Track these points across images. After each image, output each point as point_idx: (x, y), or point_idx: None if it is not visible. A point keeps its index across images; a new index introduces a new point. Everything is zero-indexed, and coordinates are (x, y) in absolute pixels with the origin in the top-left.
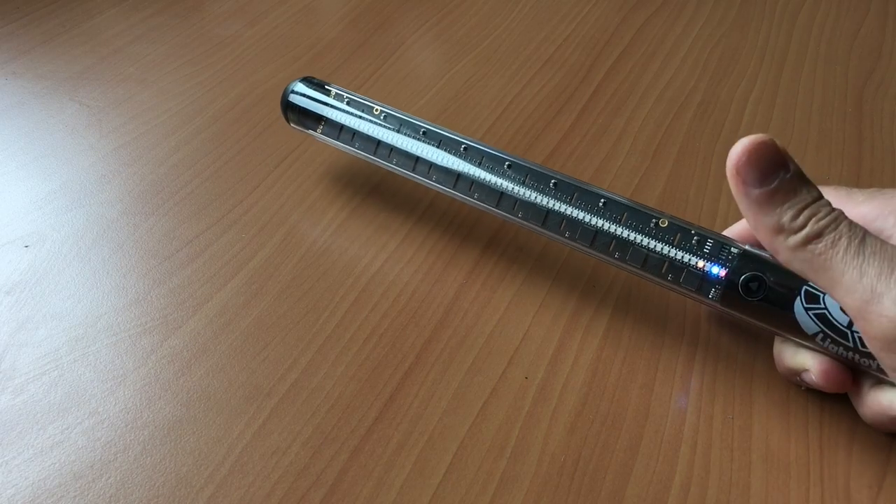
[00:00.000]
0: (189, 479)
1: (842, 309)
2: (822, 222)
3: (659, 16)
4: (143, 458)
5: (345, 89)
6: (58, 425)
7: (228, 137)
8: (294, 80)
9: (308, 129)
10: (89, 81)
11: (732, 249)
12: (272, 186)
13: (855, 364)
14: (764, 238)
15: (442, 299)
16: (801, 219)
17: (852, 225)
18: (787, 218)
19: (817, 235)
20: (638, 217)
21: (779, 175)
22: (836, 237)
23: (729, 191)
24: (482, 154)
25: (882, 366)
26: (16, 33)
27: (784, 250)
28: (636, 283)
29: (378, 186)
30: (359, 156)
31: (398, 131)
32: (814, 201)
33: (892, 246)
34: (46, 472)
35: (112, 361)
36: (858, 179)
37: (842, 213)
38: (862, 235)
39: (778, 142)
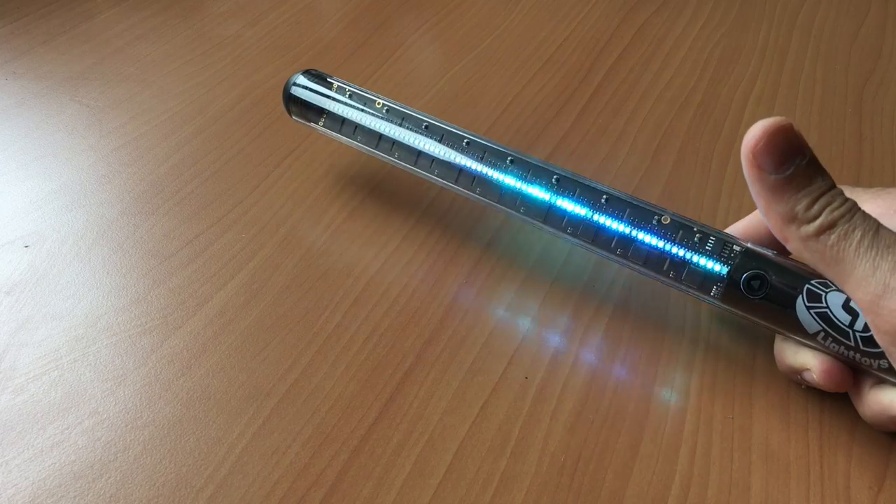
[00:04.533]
0: (189, 479)
1: (845, 306)
2: (837, 212)
3: (659, 16)
4: (143, 458)
5: (347, 82)
6: (58, 425)
7: (228, 137)
8: (296, 73)
9: (310, 121)
10: (89, 81)
11: (735, 247)
12: (272, 186)
13: (856, 363)
14: (775, 225)
15: (442, 299)
16: (816, 208)
17: (867, 217)
18: (801, 206)
19: (830, 226)
20: (640, 214)
21: (795, 161)
22: (850, 228)
23: (729, 191)
24: (484, 149)
25: (892, 361)
26: (16, 33)
27: (795, 240)
28: (636, 282)
29: (378, 186)
30: (361, 149)
31: (400, 125)
32: (829, 190)
33: None
34: (46, 472)
35: (112, 361)
36: (858, 179)
37: (856, 204)
38: (876, 228)
39: (796, 126)
